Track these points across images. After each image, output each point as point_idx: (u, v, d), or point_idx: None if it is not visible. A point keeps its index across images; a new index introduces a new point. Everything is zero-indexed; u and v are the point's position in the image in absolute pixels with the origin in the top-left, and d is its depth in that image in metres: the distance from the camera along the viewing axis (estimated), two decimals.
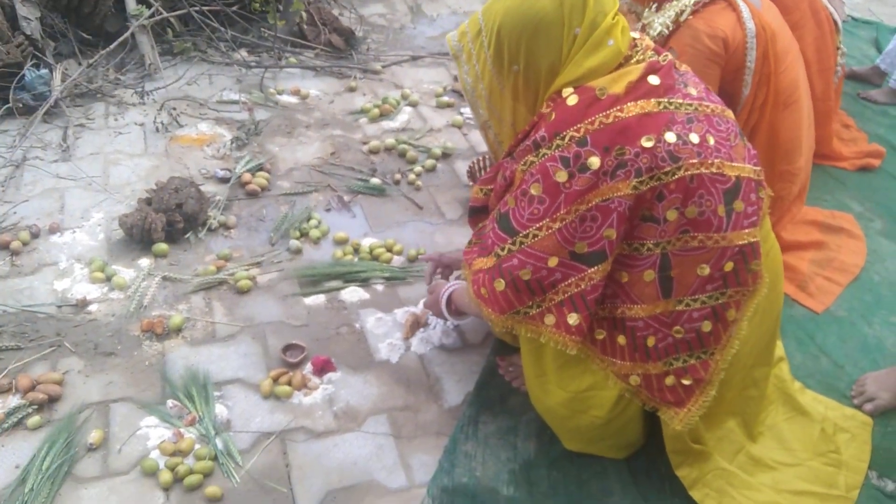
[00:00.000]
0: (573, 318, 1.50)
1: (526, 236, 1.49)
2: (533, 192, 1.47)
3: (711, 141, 1.48)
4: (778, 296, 1.75)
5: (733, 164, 1.50)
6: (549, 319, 1.51)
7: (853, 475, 1.78)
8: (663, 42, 2.25)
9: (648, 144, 1.41)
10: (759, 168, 1.58)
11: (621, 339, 1.56)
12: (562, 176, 1.43)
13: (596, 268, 1.47)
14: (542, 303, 1.51)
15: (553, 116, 1.47)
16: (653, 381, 1.58)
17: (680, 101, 1.48)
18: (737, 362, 1.64)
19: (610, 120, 1.42)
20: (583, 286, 1.48)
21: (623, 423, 1.69)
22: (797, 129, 2.42)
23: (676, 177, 1.43)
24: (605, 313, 1.56)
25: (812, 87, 2.68)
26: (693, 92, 1.52)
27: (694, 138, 1.45)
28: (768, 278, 1.60)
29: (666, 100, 1.46)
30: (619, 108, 1.43)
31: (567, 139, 1.43)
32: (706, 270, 1.50)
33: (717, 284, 1.53)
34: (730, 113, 1.58)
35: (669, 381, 1.57)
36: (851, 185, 2.95)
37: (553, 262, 1.47)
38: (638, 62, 1.50)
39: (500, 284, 1.52)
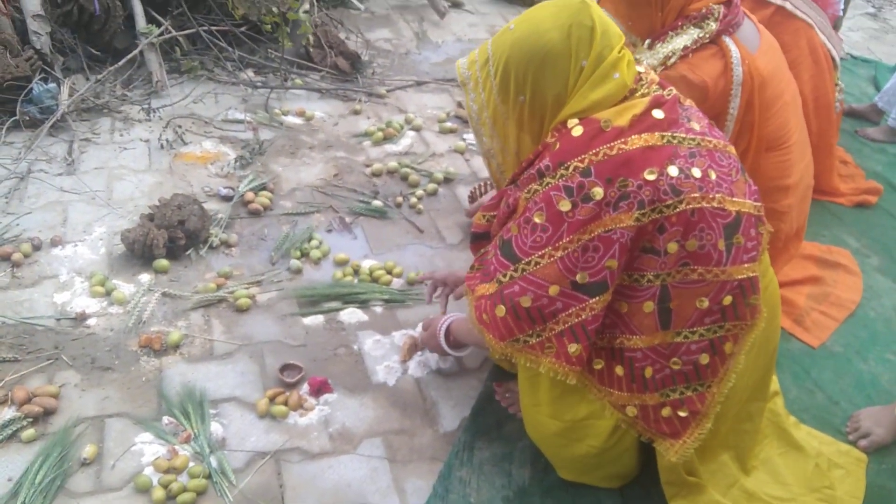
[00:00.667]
0: (573, 348, 1.50)
1: (528, 263, 1.50)
2: (536, 220, 1.48)
3: (713, 176, 1.50)
4: (775, 330, 1.76)
5: (734, 199, 1.52)
6: (550, 349, 1.52)
7: None
8: None
9: (651, 177, 1.43)
10: (759, 204, 1.60)
11: (619, 370, 1.57)
12: (565, 205, 1.45)
13: (597, 298, 1.47)
14: (542, 332, 1.52)
15: (557, 146, 1.49)
16: (649, 412, 1.58)
17: (683, 135, 1.50)
18: (732, 395, 1.64)
19: (614, 152, 1.44)
20: (583, 316, 1.48)
21: (618, 454, 1.69)
22: (783, 170, 2.40)
23: (678, 210, 1.45)
24: (603, 343, 1.57)
25: (809, 124, 2.69)
26: (696, 127, 1.54)
27: (696, 172, 1.47)
28: (766, 312, 1.62)
29: (669, 134, 1.49)
30: (623, 140, 1.45)
31: (571, 169, 1.45)
32: (705, 303, 1.51)
33: (715, 318, 1.54)
34: (731, 149, 1.60)
35: (666, 412, 1.58)
36: (849, 221, 2.98)
37: (554, 290, 1.48)
38: (643, 95, 1.52)
39: (501, 311, 1.53)
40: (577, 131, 1.48)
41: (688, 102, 1.61)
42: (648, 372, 1.55)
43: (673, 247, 1.47)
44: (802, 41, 2.76)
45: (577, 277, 1.47)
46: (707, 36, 2.16)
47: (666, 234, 1.46)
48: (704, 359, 1.55)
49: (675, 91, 1.57)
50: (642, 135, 1.46)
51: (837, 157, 3.24)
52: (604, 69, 1.49)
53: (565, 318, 1.49)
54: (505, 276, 1.53)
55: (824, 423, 2.04)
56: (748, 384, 1.71)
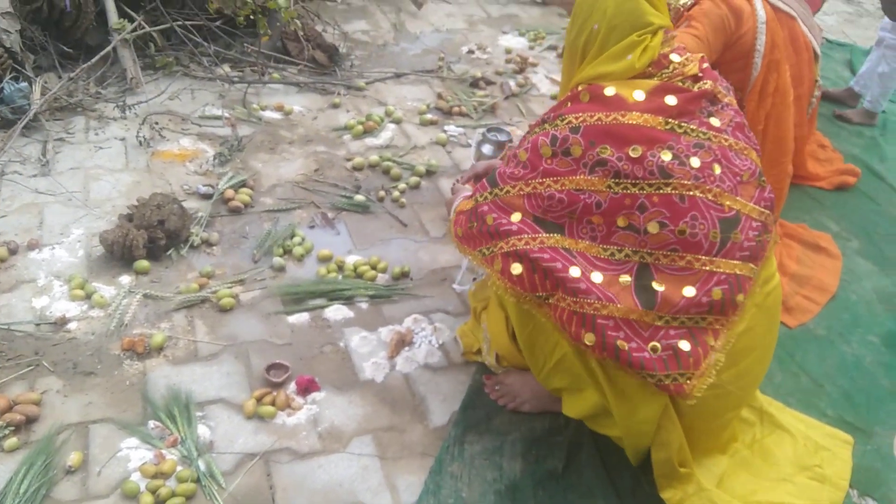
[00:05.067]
0: (516, 269, 1.58)
1: (501, 190, 1.65)
2: (520, 156, 1.64)
3: (717, 170, 1.53)
4: (773, 338, 1.76)
5: (736, 198, 1.54)
6: (497, 265, 1.61)
7: (836, 492, 1.81)
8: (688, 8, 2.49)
9: (634, 154, 1.49)
10: (767, 212, 1.61)
11: (589, 338, 1.54)
12: (546, 151, 1.58)
13: (551, 235, 1.57)
14: (493, 248, 1.62)
15: (568, 106, 1.61)
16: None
17: (694, 127, 1.55)
18: (717, 408, 1.67)
19: (608, 120, 1.52)
20: (531, 245, 1.57)
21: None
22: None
23: (662, 192, 1.49)
24: (575, 308, 1.54)
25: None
26: (715, 123, 1.58)
27: (695, 162, 1.52)
28: (765, 319, 1.63)
29: (676, 122, 1.54)
30: (622, 112, 1.52)
31: (564, 122, 1.56)
32: (692, 292, 1.52)
33: (701, 309, 1.54)
34: (755, 154, 1.63)
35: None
36: (829, 205, 3.01)
37: (516, 217, 1.61)
38: (660, 79, 1.58)
39: (473, 226, 1.69)
40: (584, 97, 1.60)
41: (726, 100, 1.64)
42: (622, 345, 1.52)
43: (654, 227, 1.51)
44: (784, 31, 2.76)
45: (539, 213, 1.59)
46: None
47: (647, 213, 1.50)
48: (684, 346, 1.53)
49: (708, 85, 1.60)
50: (644, 114, 1.53)
51: (815, 142, 3.27)
52: (619, 49, 1.58)
53: (514, 242, 1.60)
54: (482, 196, 1.69)
55: (810, 405, 2.06)
56: (743, 394, 1.72)
